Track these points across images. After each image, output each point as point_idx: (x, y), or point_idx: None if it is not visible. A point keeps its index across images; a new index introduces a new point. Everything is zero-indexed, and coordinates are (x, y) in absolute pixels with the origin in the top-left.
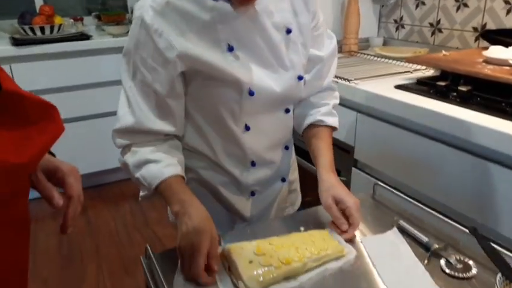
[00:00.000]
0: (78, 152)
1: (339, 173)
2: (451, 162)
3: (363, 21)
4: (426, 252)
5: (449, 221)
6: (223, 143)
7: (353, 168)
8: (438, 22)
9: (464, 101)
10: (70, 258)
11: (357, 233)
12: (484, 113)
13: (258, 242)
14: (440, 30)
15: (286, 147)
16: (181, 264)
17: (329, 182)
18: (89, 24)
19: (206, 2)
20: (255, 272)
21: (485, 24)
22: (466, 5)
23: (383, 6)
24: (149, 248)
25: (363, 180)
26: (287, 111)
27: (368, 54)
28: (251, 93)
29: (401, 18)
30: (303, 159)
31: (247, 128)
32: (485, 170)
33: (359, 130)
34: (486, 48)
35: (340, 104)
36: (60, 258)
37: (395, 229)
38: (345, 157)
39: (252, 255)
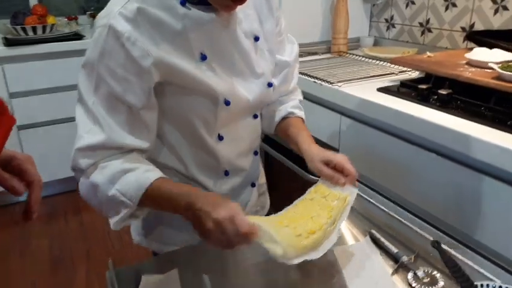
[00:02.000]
0: (64, 154)
1: None
2: (431, 168)
3: (354, 21)
4: (396, 264)
5: (420, 231)
6: (196, 155)
7: None
8: (427, 22)
9: (444, 104)
10: (59, 262)
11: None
12: (463, 117)
13: (276, 216)
14: (429, 30)
15: (256, 153)
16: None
17: (312, 151)
18: (84, 23)
19: (178, 10)
20: (290, 240)
21: (474, 24)
22: (454, 5)
23: (373, 5)
24: (111, 263)
25: None
26: (255, 116)
27: (356, 55)
28: (227, 103)
29: (392, 18)
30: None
31: (220, 138)
32: (464, 176)
33: (343, 133)
34: (471, 49)
35: (324, 106)
36: (50, 261)
37: (367, 238)
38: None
39: (279, 226)
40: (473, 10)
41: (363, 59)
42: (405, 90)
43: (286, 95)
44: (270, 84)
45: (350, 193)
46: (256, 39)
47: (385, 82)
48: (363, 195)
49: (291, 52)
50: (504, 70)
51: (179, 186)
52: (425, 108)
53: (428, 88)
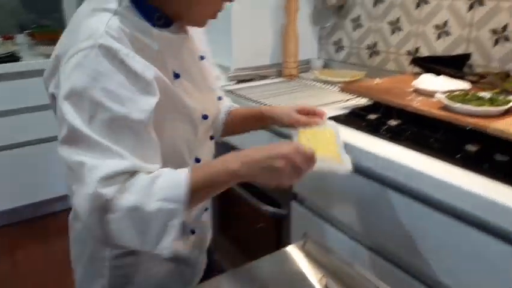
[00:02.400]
0: (3, 183)
1: (278, 206)
2: (383, 202)
3: (304, 43)
4: None
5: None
6: None
7: (293, 202)
8: (375, 45)
9: (394, 136)
10: None
11: None
12: (414, 149)
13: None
14: (377, 53)
15: None
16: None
17: (283, 109)
18: (21, 42)
19: (152, 31)
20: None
21: (419, 48)
22: (399, 29)
23: (322, 28)
24: None
25: (304, 215)
26: (212, 138)
27: (307, 79)
28: (205, 117)
29: (340, 40)
30: None
31: (197, 161)
32: (415, 211)
33: None
34: (419, 74)
35: (277, 133)
36: None
37: None
38: (284, 189)
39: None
40: (418, 35)
41: (314, 83)
42: (355, 119)
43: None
44: (219, 98)
45: (329, 127)
46: (202, 58)
47: (336, 110)
48: (316, 239)
49: (215, 68)
50: (450, 101)
51: (215, 162)
52: (376, 139)
53: (378, 118)
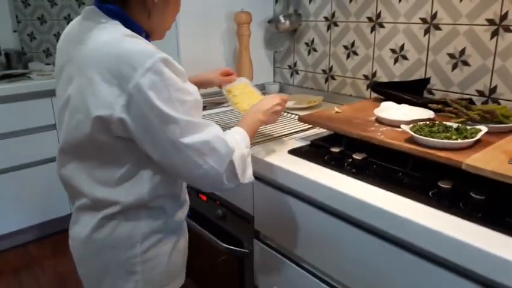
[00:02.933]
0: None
1: (241, 244)
2: (348, 240)
3: (258, 68)
4: None
5: None
6: (167, 187)
7: (255, 240)
8: (330, 69)
9: (360, 171)
10: None
11: None
12: (381, 186)
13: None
14: (333, 77)
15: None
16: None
17: (209, 75)
18: None
19: None
20: None
21: (376, 72)
22: (355, 53)
23: (276, 52)
24: None
25: (266, 253)
26: None
27: None
28: None
29: (295, 64)
30: None
31: None
32: (386, 252)
33: (257, 198)
34: (379, 99)
35: None
36: None
37: None
38: (245, 227)
39: None
40: (374, 59)
41: None
42: (317, 152)
43: None
44: None
45: (243, 80)
46: None
47: (295, 141)
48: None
49: None
50: (417, 133)
51: (249, 117)
52: (340, 175)
53: (341, 151)
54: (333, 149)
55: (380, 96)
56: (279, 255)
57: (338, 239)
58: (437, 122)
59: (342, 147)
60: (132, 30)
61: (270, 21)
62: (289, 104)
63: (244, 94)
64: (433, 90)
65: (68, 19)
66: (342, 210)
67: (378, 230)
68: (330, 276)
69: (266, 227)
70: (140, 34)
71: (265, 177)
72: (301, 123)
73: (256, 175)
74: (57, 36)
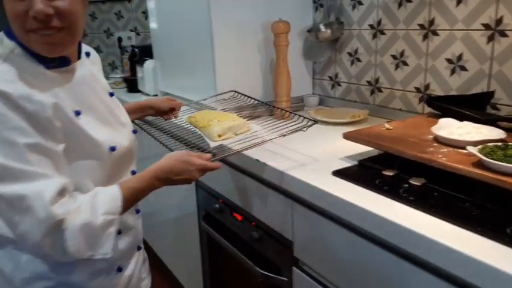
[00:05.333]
0: None
1: (279, 271)
2: (402, 277)
3: (296, 79)
4: None
5: None
6: None
7: (294, 268)
8: (377, 81)
9: (418, 199)
10: None
11: None
12: (445, 219)
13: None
14: (379, 90)
15: (138, 211)
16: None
17: (155, 100)
18: None
19: (45, 73)
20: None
21: (429, 84)
22: (405, 63)
23: (315, 62)
24: None
25: (306, 284)
26: (133, 173)
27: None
28: (112, 149)
29: (336, 75)
30: None
31: None
32: None
33: (297, 223)
34: (434, 115)
35: (273, 188)
36: None
37: None
38: (284, 253)
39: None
40: (427, 70)
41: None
42: (366, 175)
43: None
44: (134, 131)
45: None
46: (111, 94)
47: (340, 161)
48: None
49: None
50: (488, 157)
51: (137, 178)
52: (395, 203)
53: (396, 175)
54: (386, 172)
55: (436, 112)
56: (320, 286)
57: (392, 276)
58: (511, 144)
59: (396, 170)
60: (33, 55)
61: (309, 31)
62: (325, 119)
63: (207, 116)
64: (498, 105)
65: (108, 33)
66: (400, 246)
67: (449, 275)
68: None
69: (307, 255)
70: (45, 60)
71: (306, 201)
72: (343, 142)
73: (297, 197)
74: (97, 49)
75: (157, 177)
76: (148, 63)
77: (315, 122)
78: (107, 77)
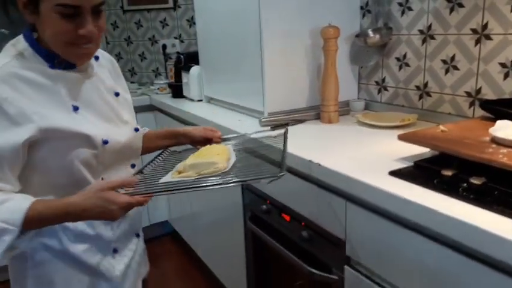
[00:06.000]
0: None
1: (329, 270)
2: (468, 277)
3: (342, 84)
4: None
5: None
6: None
7: (346, 267)
8: (425, 85)
9: (479, 197)
10: None
11: None
12: (505, 214)
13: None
14: (428, 94)
15: None
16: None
17: (191, 128)
18: None
19: (47, 71)
20: None
21: (480, 88)
22: (456, 68)
23: (361, 67)
24: None
25: (358, 282)
26: (133, 166)
27: (348, 123)
28: (105, 142)
29: (383, 80)
30: None
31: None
32: None
33: (350, 222)
34: (487, 119)
35: (326, 188)
36: None
37: None
38: (335, 251)
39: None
40: (479, 74)
41: (360, 128)
42: (423, 174)
43: None
44: (136, 129)
45: (225, 145)
46: (117, 94)
47: (395, 162)
48: None
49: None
50: None
51: (58, 200)
52: (454, 201)
53: (455, 174)
54: (444, 172)
55: (489, 115)
56: (375, 285)
57: (452, 275)
58: None
59: (454, 170)
60: (42, 55)
61: (358, 36)
62: (375, 123)
63: (209, 151)
64: None
65: (153, 40)
66: (461, 242)
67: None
68: None
69: (360, 254)
70: (51, 60)
71: (362, 199)
72: (394, 144)
73: (350, 196)
74: (142, 56)
75: (67, 213)
76: (194, 69)
77: (283, 175)
78: (151, 83)
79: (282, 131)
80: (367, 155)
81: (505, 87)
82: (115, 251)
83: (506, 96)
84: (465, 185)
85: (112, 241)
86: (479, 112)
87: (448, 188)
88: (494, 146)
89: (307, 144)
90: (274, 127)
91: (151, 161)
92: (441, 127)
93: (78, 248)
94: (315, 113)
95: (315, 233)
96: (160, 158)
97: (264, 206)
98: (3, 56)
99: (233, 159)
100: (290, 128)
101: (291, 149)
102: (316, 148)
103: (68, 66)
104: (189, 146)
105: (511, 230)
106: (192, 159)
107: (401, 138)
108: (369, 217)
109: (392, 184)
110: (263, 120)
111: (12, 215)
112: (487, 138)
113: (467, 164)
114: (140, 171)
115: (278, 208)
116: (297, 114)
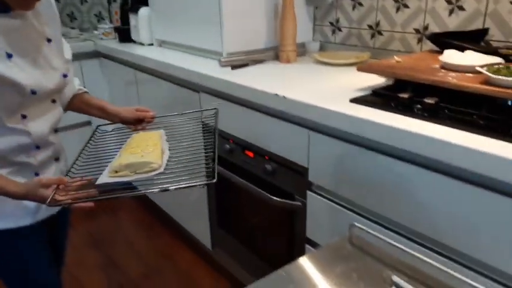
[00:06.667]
0: None
1: (292, 197)
2: (421, 185)
3: (298, 26)
4: None
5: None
6: (5, 138)
7: (308, 192)
8: (377, 24)
9: (432, 114)
10: None
11: None
12: (455, 127)
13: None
14: (380, 33)
15: (56, 130)
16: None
17: (122, 109)
18: None
19: None
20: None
21: (428, 25)
22: (406, 6)
23: (316, 8)
24: None
25: (320, 204)
26: (54, 101)
27: (306, 62)
28: (33, 92)
29: (337, 21)
30: None
31: (23, 117)
32: (461, 192)
33: (313, 149)
34: (434, 51)
35: (290, 121)
36: None
37: None
38: (298, 179)
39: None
40: (427, 11)
41: (317, 66)
42: (381, 100)
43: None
44: (65, 75)
45: (158, 130)
46: (49, 40)
47: (354, 92)
48: (366, 229)
49: (68, 51)
50: (495, 74)
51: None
52: (412, 119)
53: (410, 97)
54: (401, 95)
55: (437, 48)
56: (336, 206)
57: (407, 184)
58: None
59: (410, 93)
60: None
61: None
62: (332, 61)
63: (141, 142)
64: (491, 41)
65: None
66: (420, 153)
67: (462, 171)
68: (401, 226)
69: (321, 178)
70: None
71: (325, 127)
72: (352, 78)
73: (313, 126)
74: (83, 0)
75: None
76: (143, 11)
77: (213, 179)
78: (95, 28)
79: (211, 111)
80: (327, 88)
81: (449, 23)
82: (37, 174)
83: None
84: (419, 106)
85: (34, 166)
86: (426, 48)
87: (405, 109)
88: (443, 71)
89: (269, 81)
90: (234, 67)
91: (85, 146)
92: (396, 58)
93: (1, 172)
94: (274, 53)
95: (278, 165)
96: (91, 142)
97: (227, 146)
98: None
99: (166, 153)
100: (250, 68)
101: (256, 85)
102: (278, 84)
103: (3, 10)
104: (119, 125)
105: (462, 138)
106: (125, 155)
107: (360, 69)
108: (331, 143)
109: (353, 109)
110: (223, 60)
111: None
112: (437, 66)
113: (420, 89)
114: (75, 163)
115: (241, 146)
116: (255, 54)
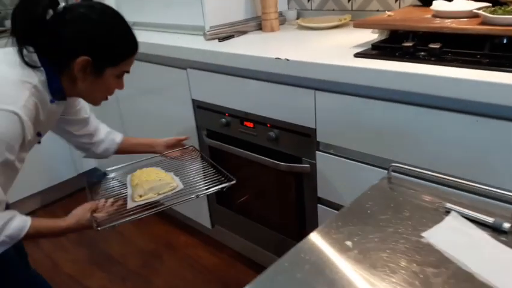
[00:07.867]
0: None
1: (300, 160)
2: (434, 126)
3: None
4: (499, 235)
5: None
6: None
7: (317, 152)
8: None
9: (439, 59)
10: None
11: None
12: (463, 67)
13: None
14: None
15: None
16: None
17: (158, 141)
18: None
19: (48, 106)
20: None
21: None
22: None
23: None
24: None
25: (330, 162)
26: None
27: (291, 30)
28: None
29: None
30: None
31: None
32: (478, 126)
33: (319, 109)
34: (416, 6)
35: (293, 84)
36: None
37: (454, 213)
38: (305, 142)
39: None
40: None
41: (303, 31)
42: (384, 52)
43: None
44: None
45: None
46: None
47: (354, 48)
48: (405, 167)
49: (85, 109)
50: (493, 14)
51: (50, 219)
52: (421, 65)
53: (414, 45)
54: (405, 44)
55: (418, 3)
56: (348, 160)
57: (419, 128)
58: (505, 5)
59: (412, 42)
60: (51, 87)
61: None
62: (316, 25)
63: (143, 176)
64: None
65: None
66: (434, 94)
67: (473, 105)
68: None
69: (330, 136)
70: (55, 93)
71: (330, 84)
72: (345, 38)
73: (319, 85)
74: None
75: (62, 233)
76: None
77: (234, 181)
78: None
79: (189, 148)
80: (325, 48)
81: None
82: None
83: None
84: (423, 53)
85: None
86: (405, 5)
87: (411, 57)
88: (438, 19)
89: (263, 48)
90: (221, 39)
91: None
92: (388, 12)
93: None
94: (256, 23)
95: (282, 131)
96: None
97: (223, 120)
98: (22, 88)
99: (176, 177)
100: (237, 39)
101: (252, 53)
102: (273, 50)
103: (60, 97)
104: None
105: (472, 74)
106: (142, 183)
107: (357, 25)
108: (338, 100)
109: (362, 62)
110: (208, 33)
111: (18, 232)
112: (429, 15)
113: (419, 38)
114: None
115: (239, 118)
116: (238, 26)
